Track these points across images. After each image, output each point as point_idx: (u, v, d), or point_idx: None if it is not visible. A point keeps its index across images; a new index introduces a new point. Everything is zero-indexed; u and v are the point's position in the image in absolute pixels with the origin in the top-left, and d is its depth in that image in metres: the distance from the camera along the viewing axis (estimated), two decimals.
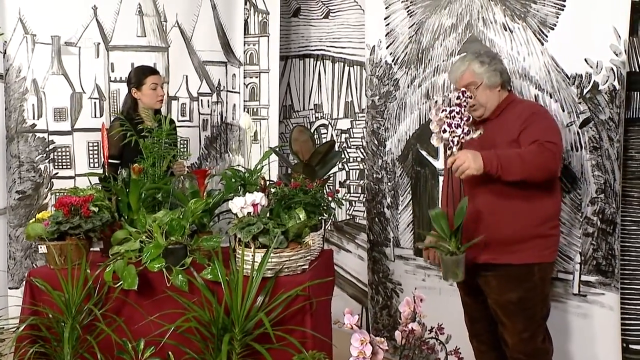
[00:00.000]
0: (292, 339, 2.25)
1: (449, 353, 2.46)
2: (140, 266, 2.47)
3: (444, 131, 2.28)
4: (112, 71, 3.91)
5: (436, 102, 2.34)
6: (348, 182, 4.16)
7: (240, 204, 2.46)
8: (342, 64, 4.16)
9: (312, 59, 4.35)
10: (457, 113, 2.26)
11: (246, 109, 4.26)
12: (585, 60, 2.64)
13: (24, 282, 2.60)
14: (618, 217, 2.60)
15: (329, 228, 4.23)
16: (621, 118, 2.56)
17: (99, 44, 3.89)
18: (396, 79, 3.49)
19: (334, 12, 4.17)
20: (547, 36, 2.80)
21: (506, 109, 2.52)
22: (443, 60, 3.25)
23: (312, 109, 4.37)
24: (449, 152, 2.35)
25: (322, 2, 4.25)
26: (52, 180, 3.83)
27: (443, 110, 2.28)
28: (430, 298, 2.63)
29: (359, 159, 4.08)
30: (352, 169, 4.14)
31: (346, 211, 4.15)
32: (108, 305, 2.44)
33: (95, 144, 3.86)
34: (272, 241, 2.34)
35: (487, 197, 2.44)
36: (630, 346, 2.64)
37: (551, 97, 2.78)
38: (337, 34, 4.17)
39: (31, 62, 3.77)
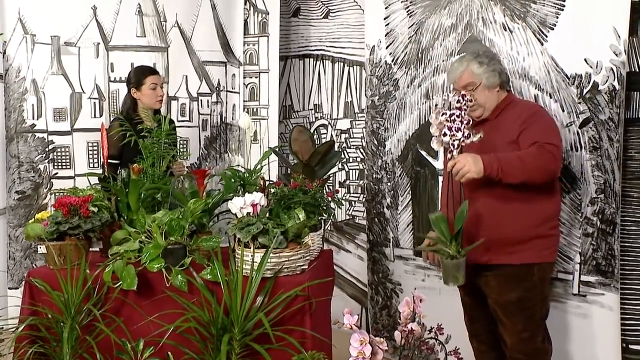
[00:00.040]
0: (291, 339, 2.25)
1: (449, 353, 2.45)
2: (139, 266, 2.47)
3: (444, 135, 2.27)
4: (112, 71, 3.91)
5: (436, 105, 2.33)
6: (348, 182, 4.16)
7: (240, 204, 2.46)
8: (342, 64, 4.16)
9: (311, 59, 4.35)
10: (458, 116, 2.26)
11: (246, 109, 4.25)
12: (585, 60, 2.64)
13: (24, 282, 2.60)
14: (618, 217, 2.60)
15: (329, 228, 4.23)
16: (621, 118, 2.56)
17: (98, 44, 3.88)
18: (396, 79, 3.49)
19: (334, 12, 4.17)
20: (546, 36, 2.80)
21: (505, 109, 2.52)
22: (443, 60, 3.25)
23: (311, 109, 4.37)
24: (449, 155, 2.34)
25: (321, 2, 4.24)
26: (52, 180, 3.82)
27: (443, 114, 2.28)
28: (429, 298, 2.63)
29: (358, 159, 4.07)
30: (352, 169, 4.13)
31: (346, 211, 4.15)
32: (107, 306, 2.44)
33: (95, 144, 3.86)
34: (272, 241, 2.34)
35: (488, 200, 2.44)
36: (630, 346, 2.64)
37: (551, 97, 2.78)
38: (337, 34, 4.17)
39: (31, 62, 3.76)
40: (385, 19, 3.53)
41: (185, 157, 3.86)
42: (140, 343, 2.36)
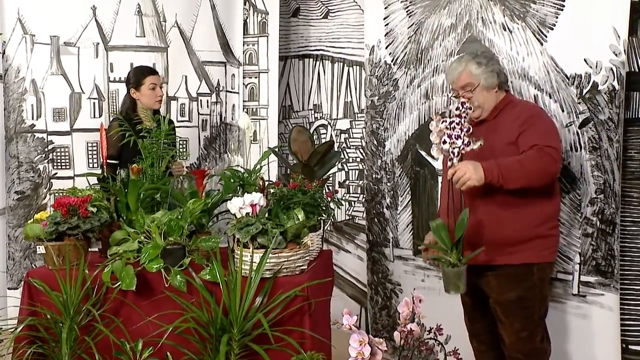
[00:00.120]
0: (290, 340, 2.25)
1: (448, 354, 2.45)
2: (138, 267, 2.47)
3: (444, 142, 2.26)
4: (111, 71, 3.91)
5: (436, 113, 2.33)
6: (347, 182, 4.16)
7: (239, 205, 2.46)
8: (342, 64, 4.16)
9: (311, 59, 4.35)
10: (457, 124, 2.24)
11: (245, 109, 4.25)
12: (585, 60, 2.64)
13: (23, 283, 2.60)
14: (617, 218, 2.59)
15: (328, 228, 4.22)
16: (620, 118, 2.55)
17: (98, 44, 3.88)
18: (395, 79, 3.49)
19: (334, 12, 4.17)
20: (546, 36, 2.79)
21: (504, 110, 2.52)
22: (442, 61, 3.25)
23: (311, 109, 4.36)
24: (449, 163, 2.34)
25: (321, 2, 4.24)
26: (51, 180, 3.82)
27: (443, 122, 2.27)
28: (429, 299, 2.62)
29: (358, 159, 4.07)
30: (352, 169, 4.13)
31: (345, 211, 4.14)
32: (106, 306, 2.44)
33: (94, 144, 3.86)
34: (271, 242, 2.33)
35: (488, 208, 2.43)
36: (630, 347, 2.63)
37: (550, 97, 2.78)
38: (337, 34, 4.17)
39: (30, 62, 3.76)
40: (384, 19, 3.53)
41: (184, 158, 3.86)
42: (139, 343, 2.36)
